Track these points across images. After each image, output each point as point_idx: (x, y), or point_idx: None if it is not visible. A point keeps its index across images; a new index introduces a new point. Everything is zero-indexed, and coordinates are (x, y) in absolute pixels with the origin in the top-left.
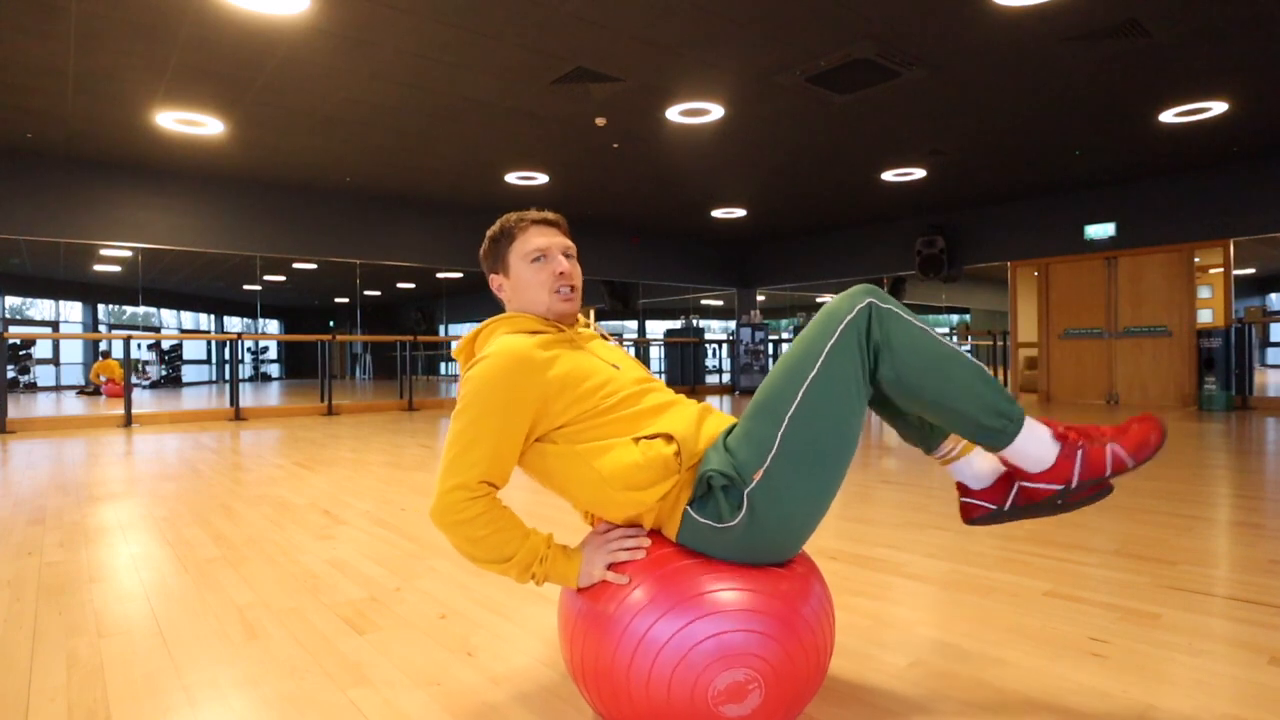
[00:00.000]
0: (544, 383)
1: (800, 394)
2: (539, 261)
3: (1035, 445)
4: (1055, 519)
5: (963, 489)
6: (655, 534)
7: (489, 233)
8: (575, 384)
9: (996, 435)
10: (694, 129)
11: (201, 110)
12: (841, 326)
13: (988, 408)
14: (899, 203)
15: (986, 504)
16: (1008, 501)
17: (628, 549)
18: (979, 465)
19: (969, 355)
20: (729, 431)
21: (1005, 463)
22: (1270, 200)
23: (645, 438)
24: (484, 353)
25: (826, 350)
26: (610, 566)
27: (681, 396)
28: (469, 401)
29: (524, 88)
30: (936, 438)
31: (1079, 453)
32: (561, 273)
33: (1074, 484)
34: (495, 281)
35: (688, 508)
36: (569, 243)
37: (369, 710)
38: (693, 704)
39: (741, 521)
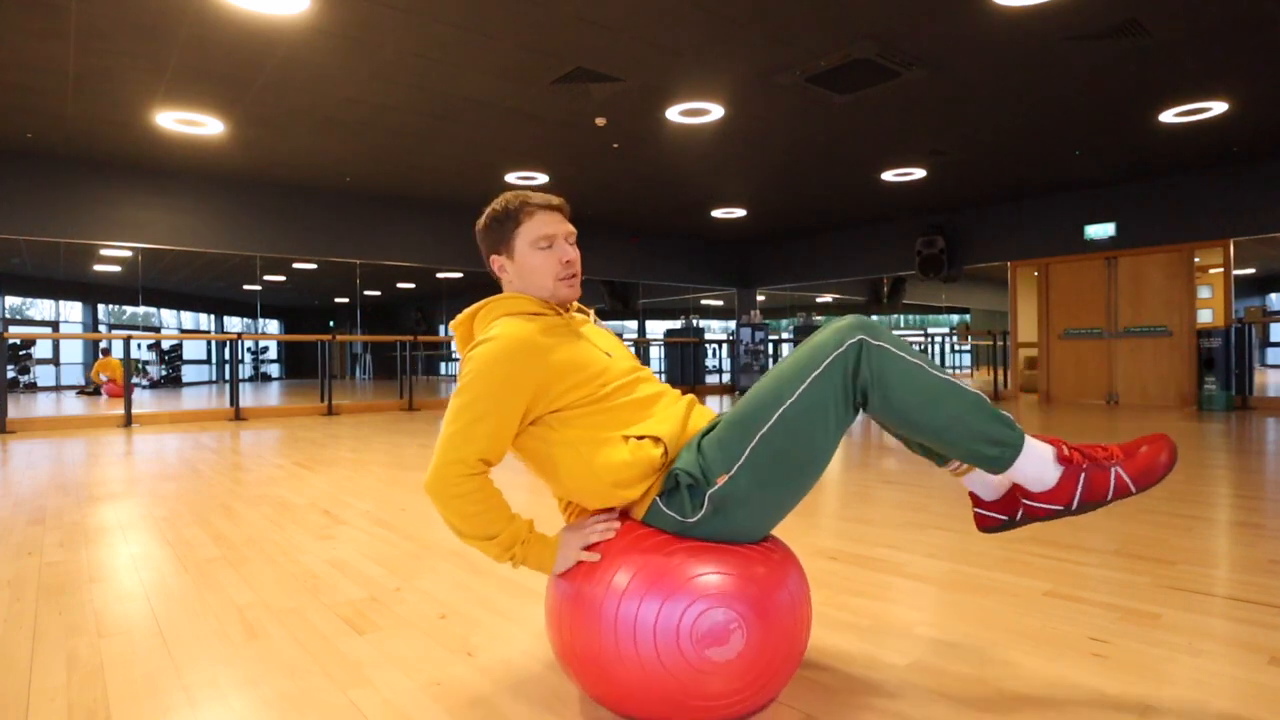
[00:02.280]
0: (544, 367)
1: (775, 416)
2: (547, 249)
3: (1037, 467)
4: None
5: (975, 499)
6: (623, 515)
7: (491, 211)
8: (573, 371)
9: (994, 461)
10: (694, 129)
11: (201, 110)
12: (828, 360)
13: (983, 437)
14: (899, 203)
15: (998, 515)
16: (1019, 513)
17: (599, 530)
18: (989, 477)
19: (965, 384)
20: (706, 431)
21: (1009, 480)
22: (1270, 200)
23: (636, 438)
24: (488, 334)
25: (809, 379)
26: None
27: (667, 387)
28: (471, 380)
29: (524, 88)
30: (943, 455)
31: (1082, 475)
32: (569, 261)
33: (1074, 506)
34: (497, 262)
35: (657, 498)
36: (572, 228)
37: (369, 710)
38: (682, 656)
39: (702, 519)
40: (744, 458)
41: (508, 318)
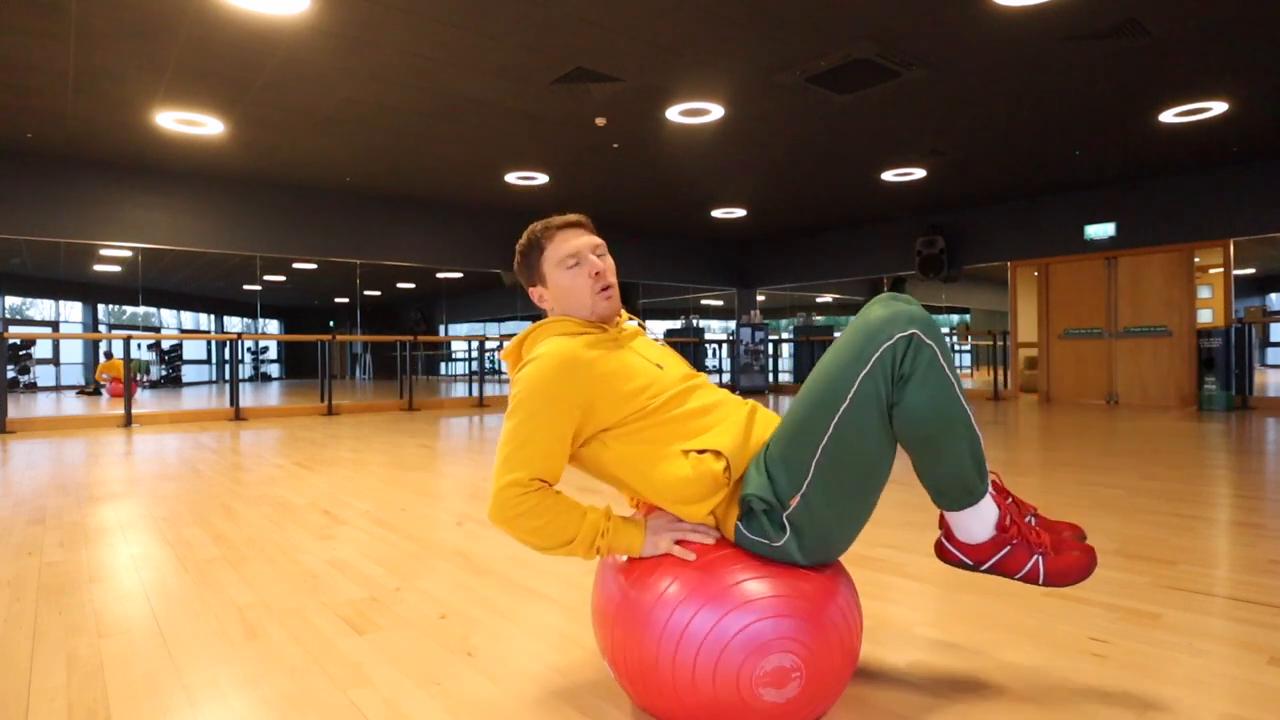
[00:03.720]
0: (590, 382)
1: (833, 425)
2: (573, 267)
3: (975, 523)
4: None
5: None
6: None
7: (518, 247)
8: (621, 384)
9: (950, 501)
10: (694, 129)
11: (201, 110)
12: (877, 354)
13: (959, 481)
14: (899, 203)
15: (965, 559)
16: (981, 565)
17: (696, 532)
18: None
19: (972, 421)
20: (768, 447)
21: (942, 515)
22: (1270, 200)
23: (696, 452)
24: (535, 353)
25: (859, 380)
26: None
27: (726, 393)
28: (520, 401)
29: (524, 88)
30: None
31: (1006, 549)
32: (598, 273)
33: (983, 568)
34: (536, 293)
35: (739, 523)
36: (597, 239)
37: (369, 710)
38: (738, 688)
39: (787, 542)
40: (810, 476)
41: (554, 338)
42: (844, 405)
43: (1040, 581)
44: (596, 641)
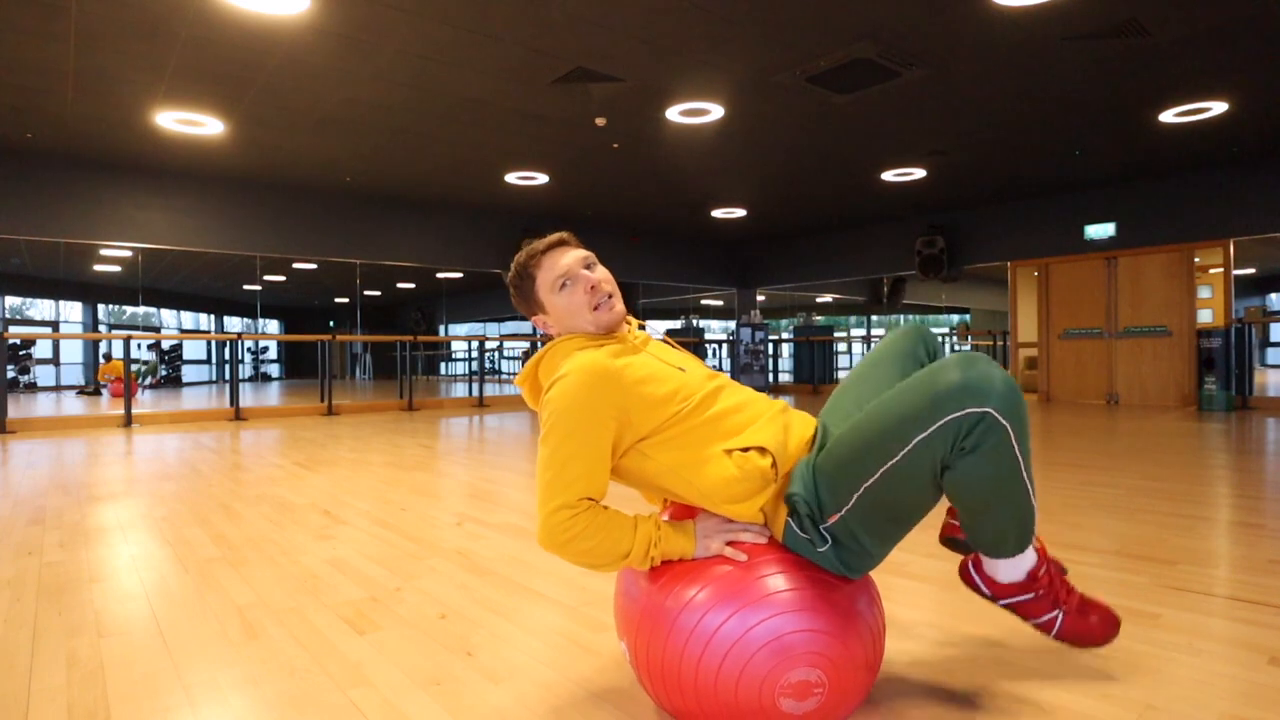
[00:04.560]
0: (623, 392)
1: (880, 472)
2: (566, 287)
3: (1009, 569)
4: (1055, 520)
5: (953, 512)
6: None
7: (509, 282)
8: (652, 391)
9: (995, 551)
10: (694, 129)
11: (201, 110)
12: (941, 423)
13: (1001, 540)
14: (899, 203)
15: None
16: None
17: (748, 533)
18: None
19: (1031, 498)
20: (821, 446)
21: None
22: (1270, 200)
23: (740, 450)
24: (560, 373)
25: (915, 443)
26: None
27: (752, 391)
28: (554, 423)
29: (524, 88)
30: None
31: (1031, 594)
32: (592, 286)
33: (1001, 604)
34: (539, 321)
35: (789, 520)
36: (584, 253)
37: (369, 710)
38: (759, 696)
39: (831, 550)
40: (851, 503)
41: (577, 350)
42: (895, 460)
43: (1053, 635)
44: (618, 634)
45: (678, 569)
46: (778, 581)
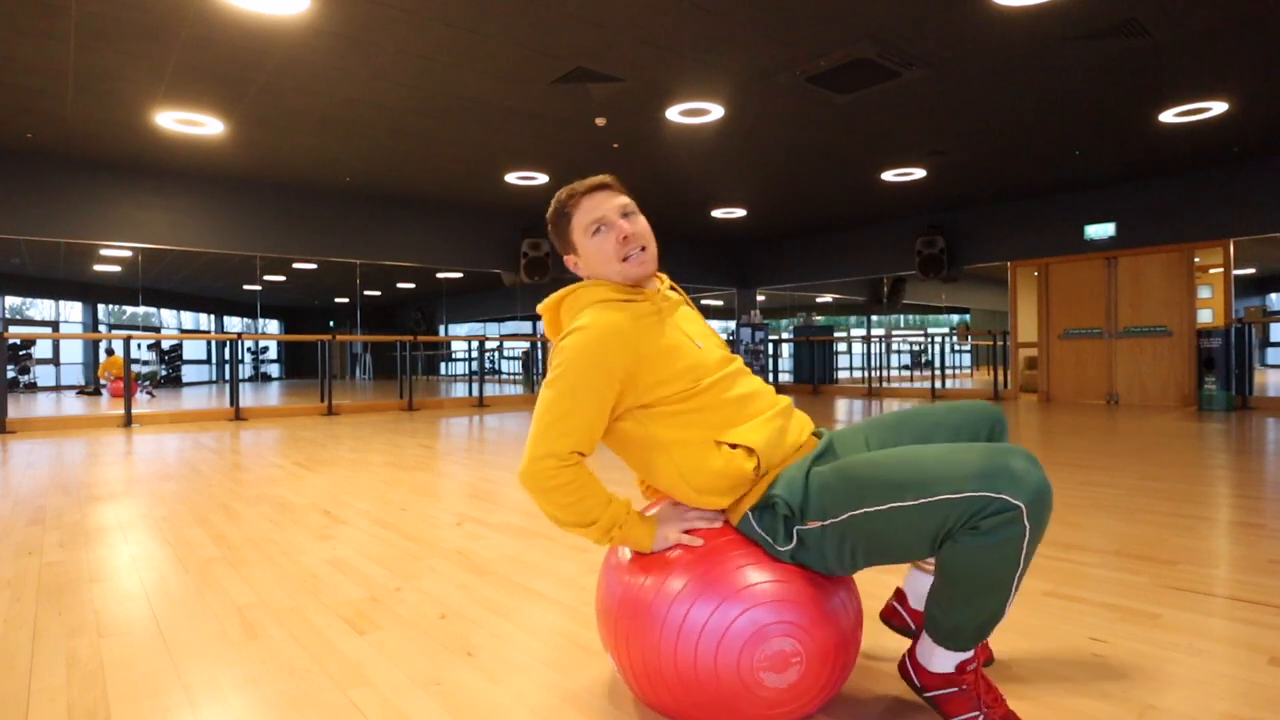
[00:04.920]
0: (635, 356)
1: (887, 506)
2: (600, 231)
3: (944, 659)
4: (1054, 520)
5: (901, 597)
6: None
7: (548, 216)
8: (665, 363)
9: (943, 637)
10: (694, 129)
11: (201, 110)
12: (973, 493)
13: (958, 632)
14: (899, 203)
15: (910, 622)
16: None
17: (703, 519)
18: (924, 588)
19: (1008, 602)
20: (817, 457)
21: (919, 635)
22: (1270, 200)
23: (730, 445)
24: (578, 323)
25: (936, 499)
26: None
27: (762, 382)
28: (562, 371)
29: (524, 88)
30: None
31: (955, 689)
32: (625, 237)
33: (925, 695)
34: (570, 261)
35: (750, 511)
36: (625, 200)
37: (369, 710)
38: (739, 675)
39: (789, 551)
40: (842, 519)
41: (597, 305)
42: (909, 504)
43: None
44: (602, 643)
45: (643, 561)
46: (739, 560)
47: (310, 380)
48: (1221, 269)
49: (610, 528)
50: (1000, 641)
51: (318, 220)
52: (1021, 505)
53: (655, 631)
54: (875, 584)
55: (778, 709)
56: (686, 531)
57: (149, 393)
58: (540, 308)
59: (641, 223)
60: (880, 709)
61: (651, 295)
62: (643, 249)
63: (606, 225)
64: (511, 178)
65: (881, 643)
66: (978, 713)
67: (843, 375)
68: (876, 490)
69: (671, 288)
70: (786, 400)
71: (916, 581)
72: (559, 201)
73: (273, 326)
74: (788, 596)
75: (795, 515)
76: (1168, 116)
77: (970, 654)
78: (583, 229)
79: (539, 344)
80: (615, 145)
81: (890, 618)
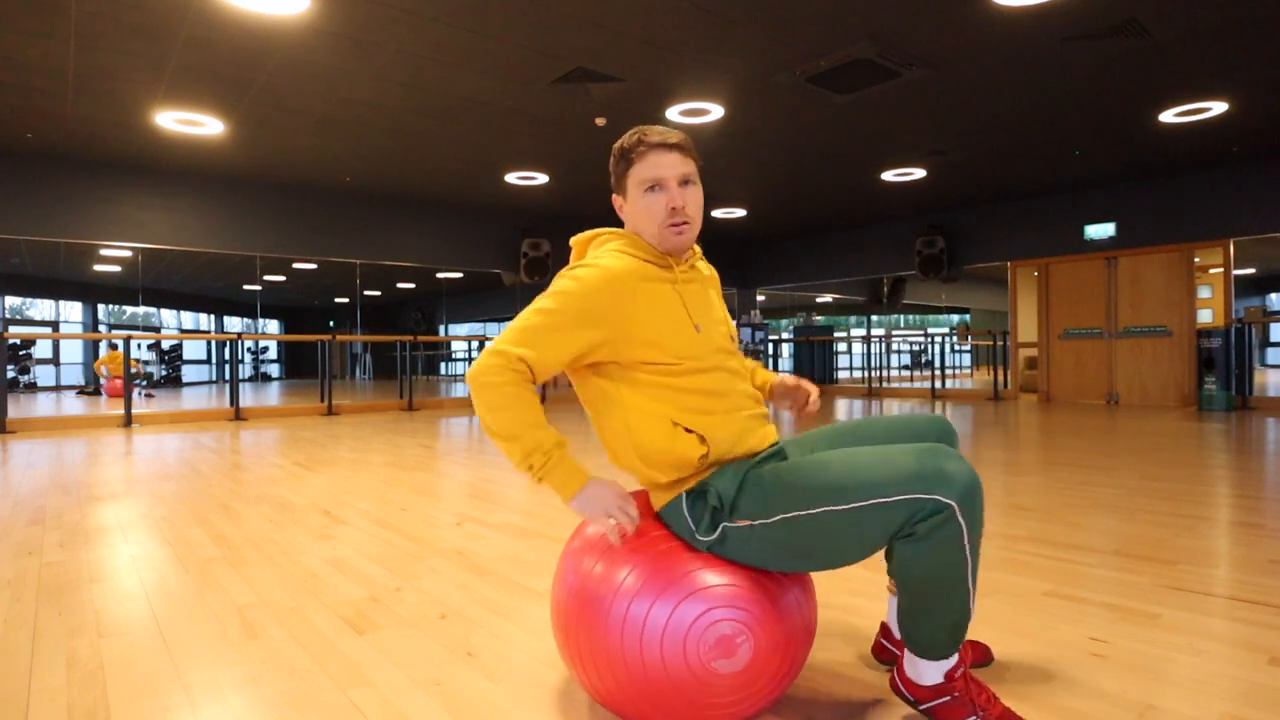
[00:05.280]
0: (626, 312)
1: (820, 510)
2: (653, 191)
3: (931, 670)
4: (1054, 520)
5: (887, 631)
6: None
7: (614, 148)
8: (653, 332)
9: (922, 650)
10: (694, 129)
11: (201, 110)
12: (901, 498)
13: (936, 638)
14: (899, 203)
15: (898, 654)
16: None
17: (629, 515)
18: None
19: (969, 600)
20: (766, 458)
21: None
22: (1270, 200)
23: (685, 429)
24: (593, 259)
25: (869, 504)
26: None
27: (748, 386)
28: (554, 294)
29: (524, 88)
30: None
31: (946, 699)
32: (675, 207)
33: (921, 708)
34: (616, 201)
35: (683, 494)
36: (689, 168)
37: (369, 710)
38: (687, 666)
39: (709, 542)
40: (771, 520)
41: (617, 255)
42: (841, 508)
43: None
44: (560, 655)
45: (586, 562)
46: (675, 553)
47: (310, 380)
48: (1221, 269)
49: (531, 452)
50: (1000, 641)
51: (318, 220)
52: (953, 504)
53: (600, 634)
54: (864, 581)
55: (732, 697)
56: (616, 523)
57: (147, 394)
58: (574, 240)
59: (696, 197)
60: (859, 710)
61: (676, 266)
62: (686, 223)
63: (662, 187)
64: (511, 178)
65: (851, 645)
66: (974, 717)
67: (843, 375)
68: (809, 494)
69: (701, 260)
70: (765, 410)
71: (894, 609)
72: (628, 144)
73: (273, 326)
74: (723, 578)
75: (724, 509)
76: (1168, 116)
77: (954, 660)
78: (638, 181)
79: None
80: None
81: (880, 654)
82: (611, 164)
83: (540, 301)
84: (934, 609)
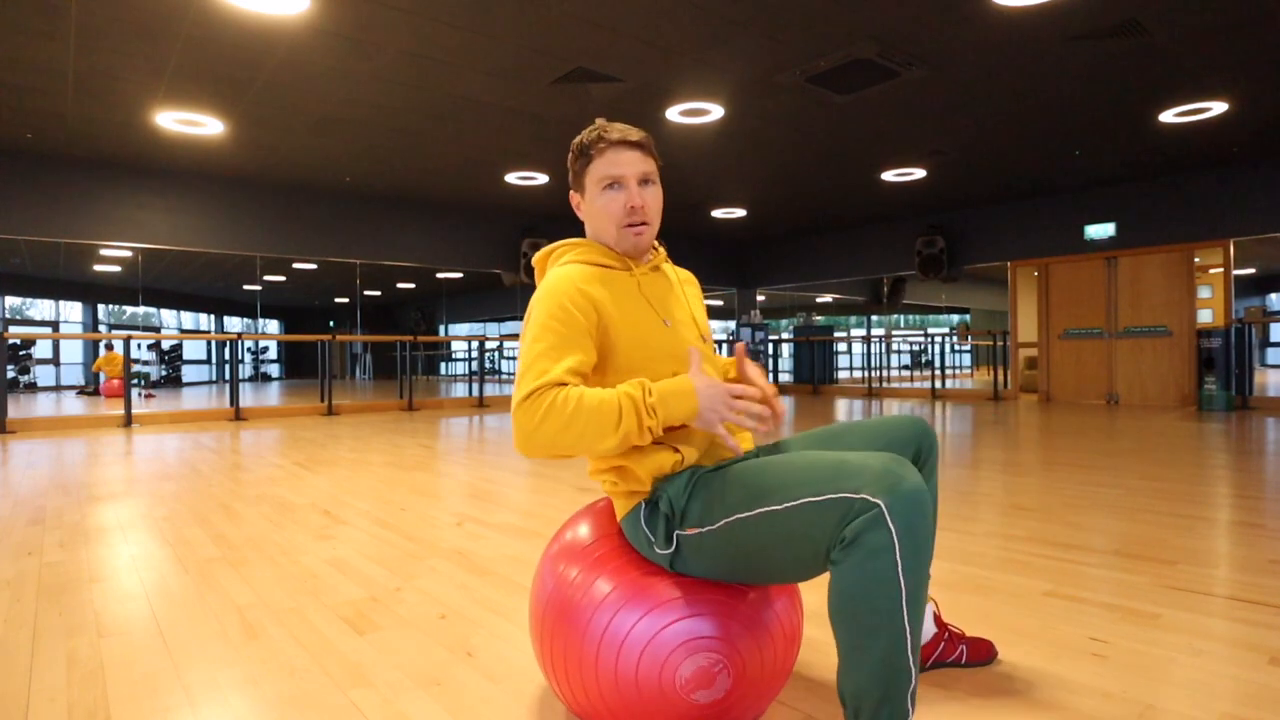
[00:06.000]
0: (595, 310)
1: (758, 511)
2: (612, 189)
3: None
4: (1054, 520)
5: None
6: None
7: (573, 144)
8: (623, 330)
9: (848, 708)
10: (694, 129)
11: (201, 110)
12: (832, 495)
13: (864, 698)
14: (899, 203)
15: None
16: None
17: (754, 415)
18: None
19: (907, 634)
20: (728, 463)
21: None
22: (1270, 200)
23: (656, 441)
24: (551, 275)
25: (801, 501)
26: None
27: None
28: (535, 323)
29: (524, 88)
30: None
31: None
32: (633, 206)
33: None
34: (574, 199)
35: (641, 504)
36: (649, 167)
37: (369, 710)
38: (662, 694)
39: (668, 556)
40: (715, 526)
41: (573, 262)
42: (778, 508)
43: None
44: (534, 650)
45: (565, 570)
46: (660, 576)
47: (310, 380)
48: (1221, 269)
49: (639, 417)
50: (1000, 641)
51: (318, 220)
52: (879, 503)
53: (577, 644)
54: None
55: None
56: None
57: (147, 394)
58: (535, 259)
59: (655, 197)
60: None
61: (635, 267)
62: (645, 224)
63: (621, 185)
64: (511, 178)
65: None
66: None
67: (843, 375)
68: (750, 495)
69: (665, 261)
70: None
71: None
72: (587, 140)
73: (273, 326)
74: (708, 608)
75: (675, 517)
76: (1168, 116)
77: None
78: (597, 178)
79: None
80: None
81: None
82: (570, 160)
83: (529, 335)
84: (862, 649)
